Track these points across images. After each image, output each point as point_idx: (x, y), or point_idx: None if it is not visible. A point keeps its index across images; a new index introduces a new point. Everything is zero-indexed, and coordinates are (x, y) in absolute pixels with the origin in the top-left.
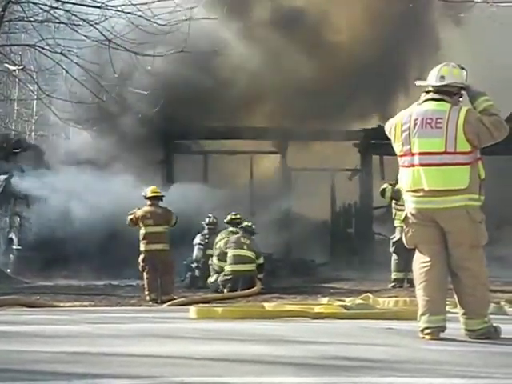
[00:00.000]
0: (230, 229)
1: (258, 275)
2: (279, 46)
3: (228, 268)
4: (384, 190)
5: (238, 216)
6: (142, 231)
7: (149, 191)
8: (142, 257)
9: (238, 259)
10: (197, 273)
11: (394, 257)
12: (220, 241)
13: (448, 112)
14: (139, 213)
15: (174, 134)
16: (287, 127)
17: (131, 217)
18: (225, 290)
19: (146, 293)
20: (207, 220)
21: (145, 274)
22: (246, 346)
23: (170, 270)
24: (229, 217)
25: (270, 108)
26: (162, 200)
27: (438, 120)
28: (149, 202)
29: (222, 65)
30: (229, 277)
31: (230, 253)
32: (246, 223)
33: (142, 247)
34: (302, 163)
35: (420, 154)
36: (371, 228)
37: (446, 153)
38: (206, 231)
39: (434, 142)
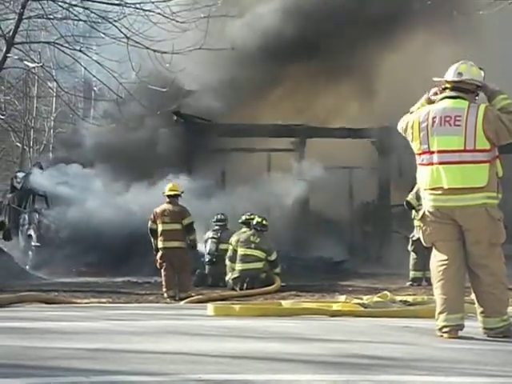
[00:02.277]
0: (244, 229)
1: (275, 271)
2: (295, 42)
3: (236, 267)
4: (409, 202)
5: (252, 217)
6: (160, 228)
7: (167, 189)
8: (159, 254)
9: (245, 258)
10: (206, 270)
11: (413, 255)
12: (233, 240)
13: (467, 109)
14: (158, 210)
15: (192, 132)
16: (305, 125)
17: (152, 216)
18: (237, 289)
19: (164, 290)
20: (216, 217)
21: (162, 271)
22: (263, 344)
23: (187, 267)
24: (243, 217)
25: (287, 105)
26: (180, 197)
27: (457, 118)
28: (167, 200)
29: (239, 61)
30: (237, 275)
31: (239, 252)
32: (257, 219)
33: (160, 244)
34: (319, 161)
35: (439, 152)
36: (389, 226)
37: (465, 151)
38: (215, 227)
39: (453, 139)
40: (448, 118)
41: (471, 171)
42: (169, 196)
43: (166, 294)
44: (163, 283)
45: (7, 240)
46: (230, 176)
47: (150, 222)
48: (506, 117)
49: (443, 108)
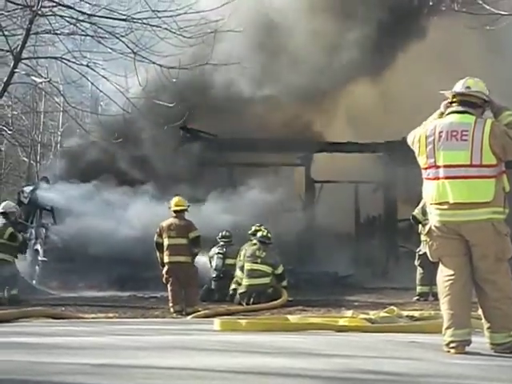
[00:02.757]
0: (253, 241)
1: (282, 284)
2: (301, 55)
3: (243, 282)
4: (415, 216)
5: (262, 228)
6: (166, 242)
7: (173, 204)
8: (165, 268)
9: (252, 273)
10: (213, 285)
11: (420, 270)
12: (242, 253)
13: (473, 124)
14: (164, 224)
15: (199, 147)
16: (311, 139)
17: (158, 230)
18: (243, 304)
19: (171, 305)
20: (220, 234)
21: (168, 285)
22: (269, 359)
23: (193, 281)
24: (252, 228)
25: (294, 120)
26: (187, 211)
27: (464, 132)
28: (173, 214)
29: (245, 76)
30: (243, 290)
31: (246, 266)
32: (260, 233)
33: (166, 259)
34: (326, 175)
35: (445, 166)
36: (396, 241)
37: (471, 165)
38: (221, 243)
39: (460, 154)
40: (455, 133)
41: (477, 186)
42: (175, 211)
43: (172, 309)
44: (169, 298)
45: (23, 253)
46: (235, 190)
47: (156, 236)
48: None
49: (450, 123)
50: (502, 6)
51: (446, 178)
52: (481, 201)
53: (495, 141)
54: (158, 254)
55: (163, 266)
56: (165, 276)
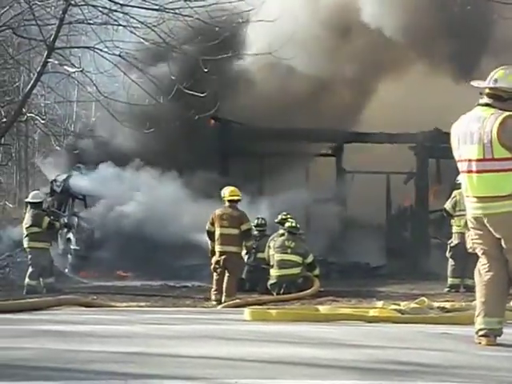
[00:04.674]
0: (280, 231)
1: (314, 273)
2: (336, 47)
3: (273, 273)
4: (446, 209)
5: (289, 216)
6: (217, 232)
7: (227, 193)
8: (215, 257)
9: (282, 264)
10: (244, 275)
11: (451, 262)
12: (271, 244)
13: (488, 118)
14: (217, 213)
15: (229, 136)
16: (343, 129)
17: (210, 218)
18: (274, 294)
19: (214, 292)
20: (256, 222)
21: (215, 274)
22: (299, 349)
23: (237, 272)
24: (279, 217)
25: (325, 109)
26: (240, 202)
27: (478, 126)
28: (227, 204)
29: (278, 66)
30: (274, 281)
31: (276, 257)
32: (288, 224)
33: (216, 248)
34: (357, 166)
35: (467, 160)
36: (427, 232)
37: (484, 160)
38: (255, 233)
39: (473, 148)
40: (472, 127)
41: (493, 180)
42: (229, 201)
43: (213, 297)
44: (213, 286)
45: (55, 240)
46: (267, 180)
47: (208, 225)
48: None
49: (471, 116)
50: None
51: (468, 171)
52: (498, 194)
53: (504, 134)
54: (209, 242)
55: (213, 254)
56: (213, 265)
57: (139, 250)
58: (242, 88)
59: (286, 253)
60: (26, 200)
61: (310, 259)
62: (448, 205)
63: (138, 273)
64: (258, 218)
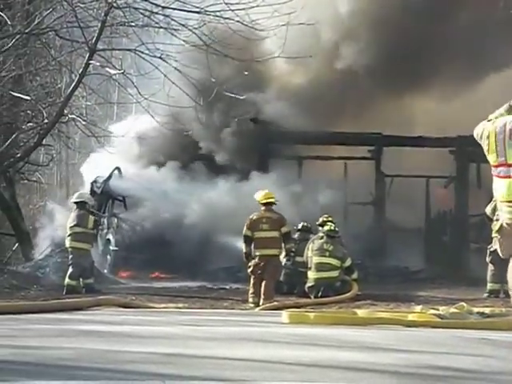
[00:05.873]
0: (319, 234)
1: (352, 276)
2: (374, 48)
3: (311, 275)
4: (487, 216)
5: (330, 219)
6: (256, 235)
7: (262, 196)
8: (254, 261)
9: (320, 267)
10: (282, 278)
11: (491, 267)
12: (310, 246)
13: None
14: (255, 217)
15: (269, 139)
16: (382, 133)
17: (247, 223)
18: (312, 297)
19: (252, 295)
20: (300, 225)
21: (252, 277)
22: (337, 352)
23: (276, 275)
24: (320, 219)
25: (365, 113)
26: (275, 204)
27: None
28: (263, 208)
29: (317, 69)
30: (312, 284)
31: (314, 260)
32: (326, 227)
33: (256, 252)
34: (396, 170)
35: (505, 165)
36: (467, 236)
37: None
38: (296, 236)
39: None
40: None
41: None
42: (265, 204)
43: (251, 299)
44: (251, 289)
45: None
46: (305, 183)
47: (245, 229)
48: None
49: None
50: None
51: (508, 176)
52: None
53: None
54: (244, 246)
55: (247, 258)
56: (252, 268)
57: (178, 252)
58: (280, 91)
59: (325, 256)
60: (72, 200)
61: (348, 263)
62: (488, 209)
63: (177, 274)
64: (303, 222)
